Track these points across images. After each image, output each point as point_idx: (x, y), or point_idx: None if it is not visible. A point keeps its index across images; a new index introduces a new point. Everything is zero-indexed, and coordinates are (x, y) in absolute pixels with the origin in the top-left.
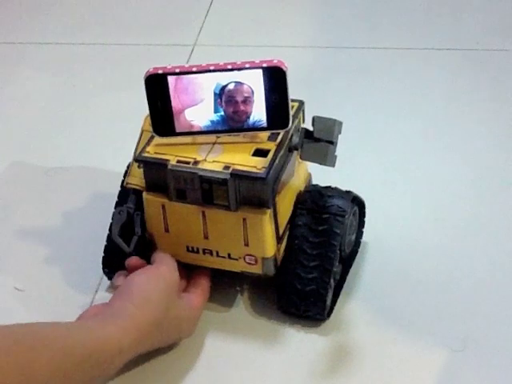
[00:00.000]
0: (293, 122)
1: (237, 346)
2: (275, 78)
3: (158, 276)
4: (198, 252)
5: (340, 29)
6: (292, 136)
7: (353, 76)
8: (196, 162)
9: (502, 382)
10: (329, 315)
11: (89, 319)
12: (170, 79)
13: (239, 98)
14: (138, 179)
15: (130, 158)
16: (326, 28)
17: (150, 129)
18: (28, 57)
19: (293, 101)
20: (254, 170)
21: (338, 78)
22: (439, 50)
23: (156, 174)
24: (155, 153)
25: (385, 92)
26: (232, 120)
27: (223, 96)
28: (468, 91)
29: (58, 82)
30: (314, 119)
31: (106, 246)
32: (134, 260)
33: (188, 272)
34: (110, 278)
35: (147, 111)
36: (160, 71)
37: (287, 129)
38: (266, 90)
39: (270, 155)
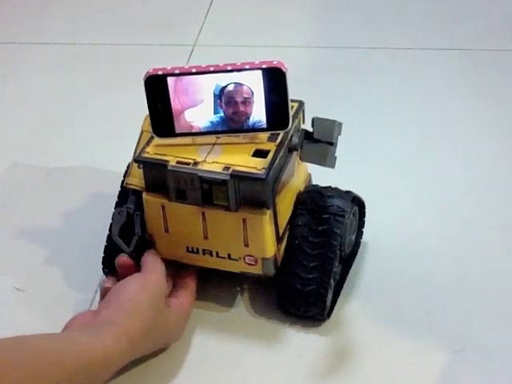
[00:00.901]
0: (293, 123)
1: (237, 346)
2: (275, 79)
3: (146, 285)
4: (197, 252)
5: (340, 29)
6: (292, 136)
7: (353, 76)
8: (196, 163)
9: (502, 382)
10: (329, 315)
11: (77, 330)
12: (170, 80)
13: (239, 99)
14: (137, 179)
15: (129, 158)
16: (326, 28)
17: (150, 129)
18: (28, 57)
19: (292, 101)
20: (254, 170)
21: (338, 78)
22: (439, 50)
23: (156, 175)
24: (155, 153)
25: (384, 92)
26: (232, 121)
27: (223, 97)
28: (468, 91)
29: (58, 82)
30: (313, 120)
31: (105, 247)
32: (123, 258)
33: (174, 271)
34: None
35: (147, 111)
36: (160, 72)
37: (287, 129)
38: (265, 90)
39: (270, 156)
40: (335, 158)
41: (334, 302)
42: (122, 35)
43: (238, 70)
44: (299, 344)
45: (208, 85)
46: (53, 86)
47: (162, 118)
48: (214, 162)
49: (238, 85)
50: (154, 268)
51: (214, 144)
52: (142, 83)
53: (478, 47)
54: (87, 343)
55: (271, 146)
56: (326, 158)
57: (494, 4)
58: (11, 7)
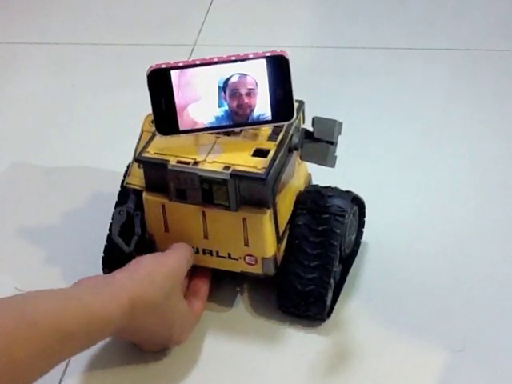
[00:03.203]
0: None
1: (237, 346)
2: (279, 68)
3: (165, 261)
4: (197, 252)
5: (340, 29)
6: (292, 136)
7: (353, 76)
8: (196, 163)
9: (502, 382)
10: (329, 315)
11: (82, 288)
12: (173, 74)
13: (243, 91)
14: (138, 179)
15: (130, 158)
16: (326, 28)
17: (150, 129)
18: (28, 57)
19: None
20: (254, 170)
21: (338, 78)
22: (439, 50)
23: (156, 174)
24: (155, 153)
25: (385, 92)
26: (236, 114)
27: (227, 89)
28: (468, 91)
29: (57, 82)
30: (314, 120)
31: (105, 246)
32: None
33: (188, 275)
34: None
35: (147, 111)
36: (163, 66)
37: (292, 121)
38: (269, 80)
39: (270, 155)
40: (335, 157)
41: (334, 302)
42: (122, 35)
43: (242, 60)
44: (299, 344)
45: (212, 77)
46: (53, 86)
47: (165, 114)
48: (214, 162)
49: (242, 76)
50: (177, 250)
51: (214, 143)
52: (143, 83)
53: (478, 47)
54: (87, 302)
55: (271, 146)
56: (326, 158)
57: (494, 4)
58: (11, 7)
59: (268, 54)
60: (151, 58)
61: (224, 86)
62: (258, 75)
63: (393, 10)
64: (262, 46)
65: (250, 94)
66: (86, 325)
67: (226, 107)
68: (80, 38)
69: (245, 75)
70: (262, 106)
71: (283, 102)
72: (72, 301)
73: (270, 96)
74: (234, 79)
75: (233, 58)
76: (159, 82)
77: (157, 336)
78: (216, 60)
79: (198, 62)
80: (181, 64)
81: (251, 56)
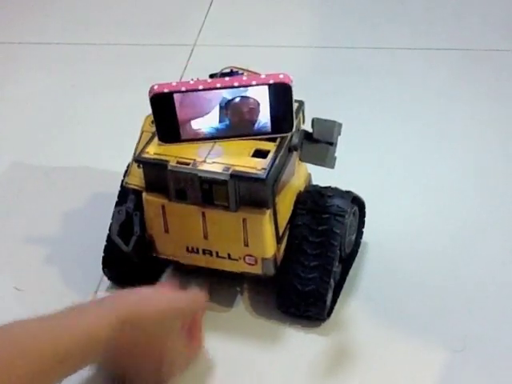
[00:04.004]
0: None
1: (236, 346)
2: (281, 92)
3: (168, 299)
4: (197, 252)
5: (340, 29)
6: (292, 136)
7: (352, 76)
8: (196, 163)
9: (502, 382)
10: (329, 315)
11: (73, 310)
12: (176, 95)
13: (245, 110)
14: (137, 179)
15: (129, 158)
16: (326, 28)
17: (150, 129)
18: (28, 57)
19: None
20: (254, 170)
21: (338, 78)
22: (439, 50)
23: (156, 175)
24: (155, 153)
25: (385, 92)
26: (237, 129)
27: (229, 108)
28: (468, 91)
29: (57, 82)
30: (313, 121)
31: (105, 246)
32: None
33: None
34: (109, 278)
35: (147, 111)
36: (166, 90)
37: (291, 133)
38: (271, 102)
39: (270, 156)
40: (335, 158)
41: (334, 302)
42: (122, 35)
43: (245, 86)
44: (299, 344)
45: (214, 99)
46: (53, 86)
47: (167, 127)
48: (214, 163)
49: (245, 98)
50: (191, 298)
51: (214, 144)
52: (143, 83)
53: (478, 47)
54: (76, 324)
55: (271, 146)
56: (325, 159)
57: (494, 4)
58: (11, 7)
59: (271, 82)
60: (151, 58)
61: (226, 106)
62: (259, 98)
63: (393, 9)
64: (261, 46)
65: (251, 112)
66: (76, 347)
67: (228, 122)
68: (80, 38)
69: (247, 97)
70: (263, 121)
71: (283, 119)
72: (63, 322)
73: (271, 114)
74: (237, 101)
75: (236, 84)
76: (162, 102)
77: (145, 368)
78: (219, 85)
79: (200, 87)
80: (183, 89)
81: (254, 83)
